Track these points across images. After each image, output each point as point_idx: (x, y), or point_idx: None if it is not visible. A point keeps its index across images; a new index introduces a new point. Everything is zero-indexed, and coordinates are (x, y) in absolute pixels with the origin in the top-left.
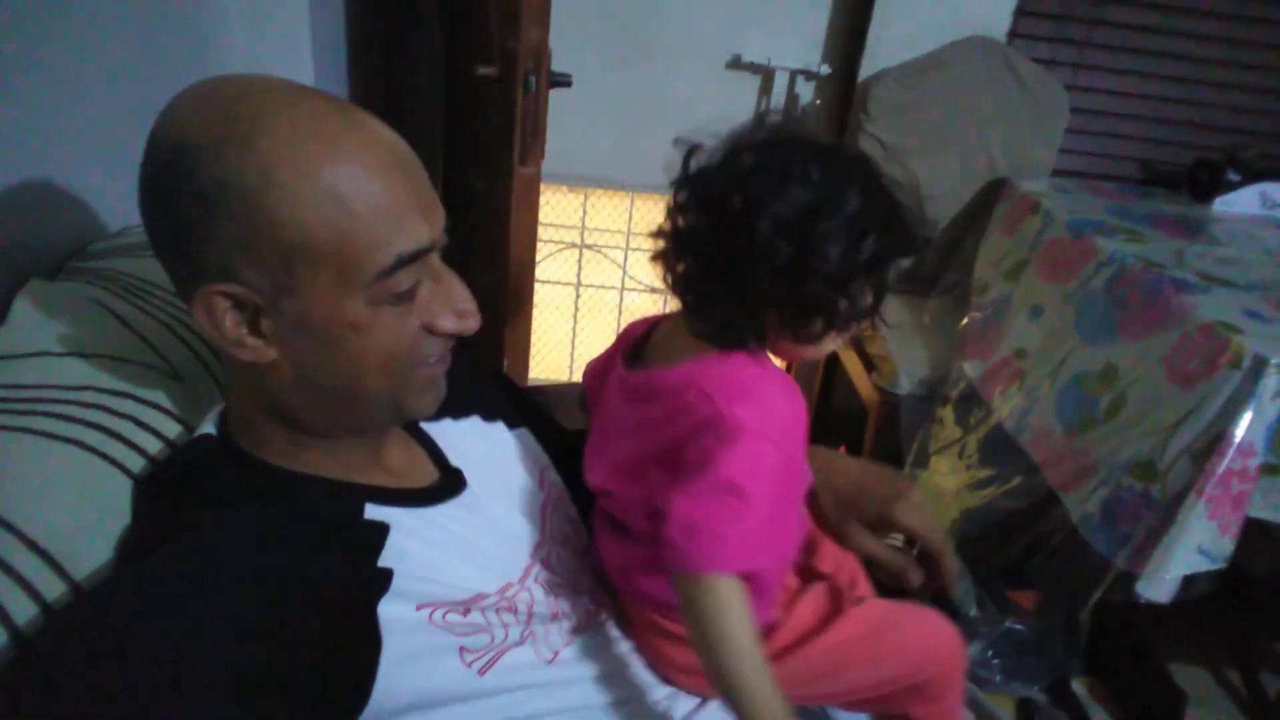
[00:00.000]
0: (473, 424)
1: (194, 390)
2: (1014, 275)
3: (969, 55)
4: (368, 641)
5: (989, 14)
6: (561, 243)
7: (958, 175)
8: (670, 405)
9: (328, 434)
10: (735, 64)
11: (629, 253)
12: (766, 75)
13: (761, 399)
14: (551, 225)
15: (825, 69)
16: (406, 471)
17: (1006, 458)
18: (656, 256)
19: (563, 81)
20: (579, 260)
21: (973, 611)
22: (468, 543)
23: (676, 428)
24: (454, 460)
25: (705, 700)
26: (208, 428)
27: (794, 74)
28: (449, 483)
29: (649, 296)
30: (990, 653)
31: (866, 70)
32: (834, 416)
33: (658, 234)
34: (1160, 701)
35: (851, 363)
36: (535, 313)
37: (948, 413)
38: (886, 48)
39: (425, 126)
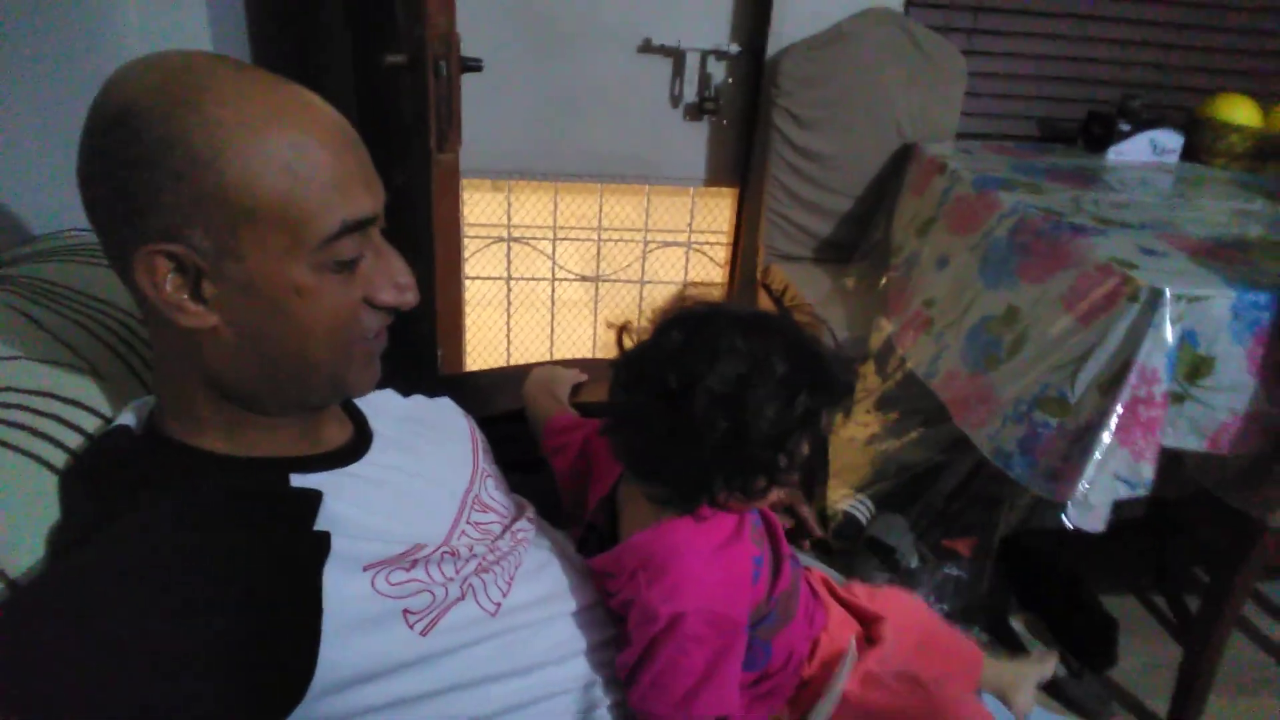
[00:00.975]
0: (390, 393)
1: (116, 386)
2: (923, 232)
3: (870, 26)
4: (310, 612)
5: None
6: (489, 237)
7: (869, 143)
8: (615, 586)
9: (266, 409)
10: (646, 48)
11: (556, 243)
12: (678, 57)
13: (680, 575)
14: (479, 224)
15: (735, 48)
16: (332, 440)
17: (921, 404)
18: (606, 430)
19: (474, 66)
20: (507, 254)
21: (913, 563)
22: (399, 492)
23: (623, 597)
24: (375, 421)
25: None
26: (126, 418)
27: (705, 54)
28: (363, 438)
29: (581, 286)
30: (932, 599)
31: (774, 46)
32: None
33: (605, 410)
34: (1093, 630)
35: None
36: (468, 309)
37: (869, 368)
38: (792, 23)
39: None
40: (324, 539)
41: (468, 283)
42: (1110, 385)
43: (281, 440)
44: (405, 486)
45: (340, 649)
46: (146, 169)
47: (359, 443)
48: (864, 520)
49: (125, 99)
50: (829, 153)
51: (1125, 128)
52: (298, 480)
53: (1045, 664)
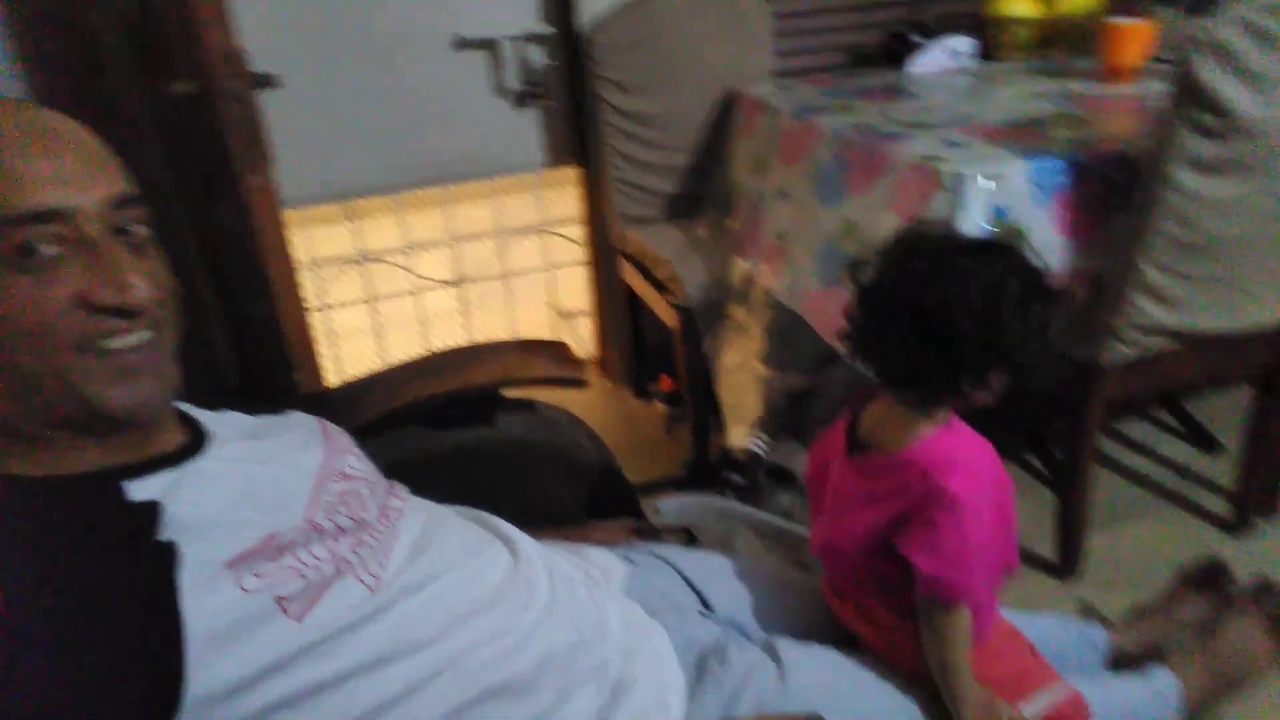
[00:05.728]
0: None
1: None
2: (759, 170)
3: None
4: (168, 628)
5: None
6: (341, 261)
7: (693, 97)
8: (895, 482)
9: (36, 434)
10: (460, 44)
11: (412, 255)
12: (493, 48)
13: (968, 467)
14: (330, 257)
15: (547, 29)
16: (163, 444)
17: (786, 330)
18: (858, 353)
19: (268, 82)
20: (364, 277)
21: None
22: (248, 479)
23: (904, 500)
24: (215, 427)
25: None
26: None
27: (519, 40)
28: (200, 439)
29: (446, 294)
30: None
31: (585, 21)
32: (650, 351)
33: (847, 335)
34: None
35: (647, 293)
36: (339, 342)
37: (734, 306)
38: None
39: (148, 168)
40: (170, 549)
41: (331, 313)
42: None
43: (95, 453)
44: (253, 472)
45: (214, 659)
46: None
47: (196, 442)
48: (763, 453)
49: None
50: (657, 113)
51: (920, 41)
52: (132, 487)
53: None
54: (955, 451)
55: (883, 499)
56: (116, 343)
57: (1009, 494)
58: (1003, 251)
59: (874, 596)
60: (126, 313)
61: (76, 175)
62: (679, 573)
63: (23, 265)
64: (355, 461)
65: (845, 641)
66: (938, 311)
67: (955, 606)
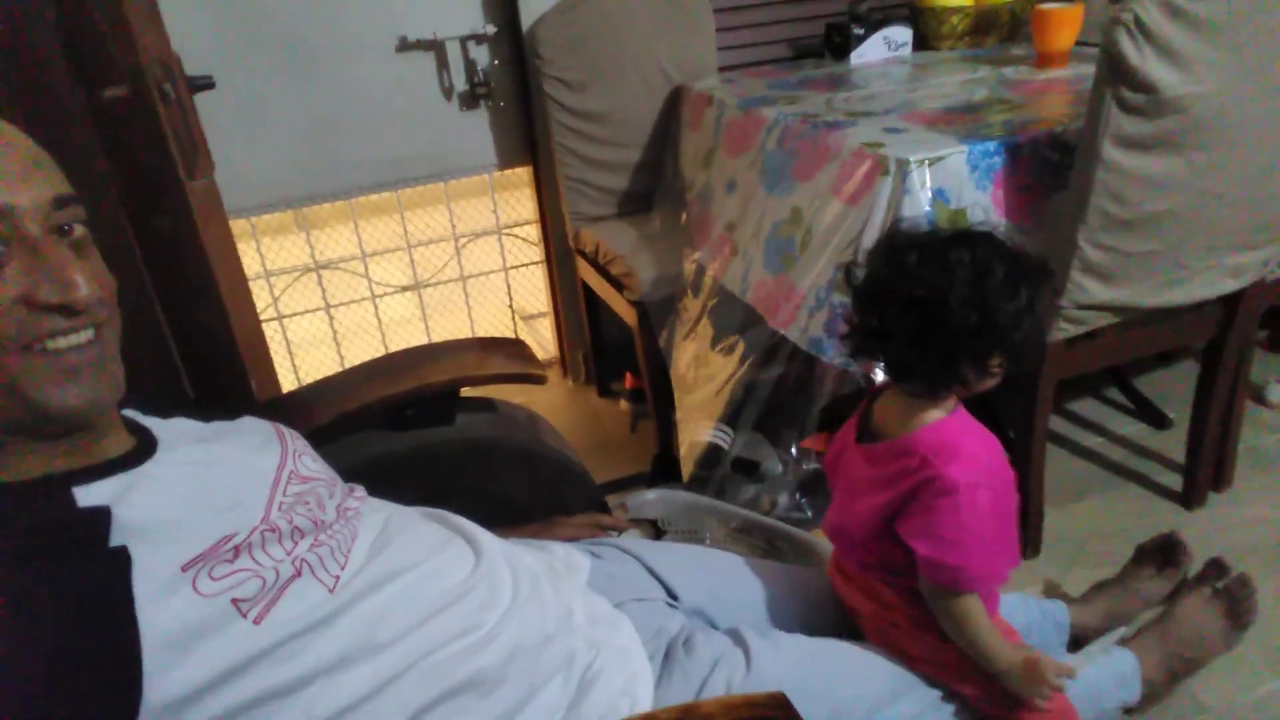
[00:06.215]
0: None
1: None
2: (707, 163)
3: None
4: (123, 635)
5: None
6: (296, 270)
7: (640, 93)
8: (897, 467)
9: None
10: (404, 45)
11: (367, 261)
12: (439, 49)
13: (968, 453)
14: (284, 268)
15: (491, 28)
16: (111, 450)
17: (734, 320)
18: (859, 351)
19: (205, 84)
20: (319, 283)
21: (777, 469)
22: (201, 481)
23: (904, 485)
24: (164, 434)
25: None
26: None
27: (464, 41)
28: (148, 444)
29: (405, 299)
30: (799, 497)
31: (528, 19)
32: (611, 350)
33: (850, 335)
34: None
35: (605, 291)
36: (295, 351)
37: (688, 299)
38: None
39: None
40: (122, 554)
41: (288, 322)
42: None
43: (46, 457)
44: (205, 475)
45: (171, 665)
46: None
47: (145, 447)
48: (726, 445)
49: None
50: (605, 110)
51: (859, 31)
52: (81, 492)
53: None
54: (957, 439)
55: (886, 483)
56: (60, 342)
57: (1010, 485)
58: (984, 239)
59: (879, 578)
60: (70, 311)
61: (14, 175)
62: (644, 564)
63: None
64: (311, 463)
65: (824, 629)
66: (931, 301)
67: (959, 590)
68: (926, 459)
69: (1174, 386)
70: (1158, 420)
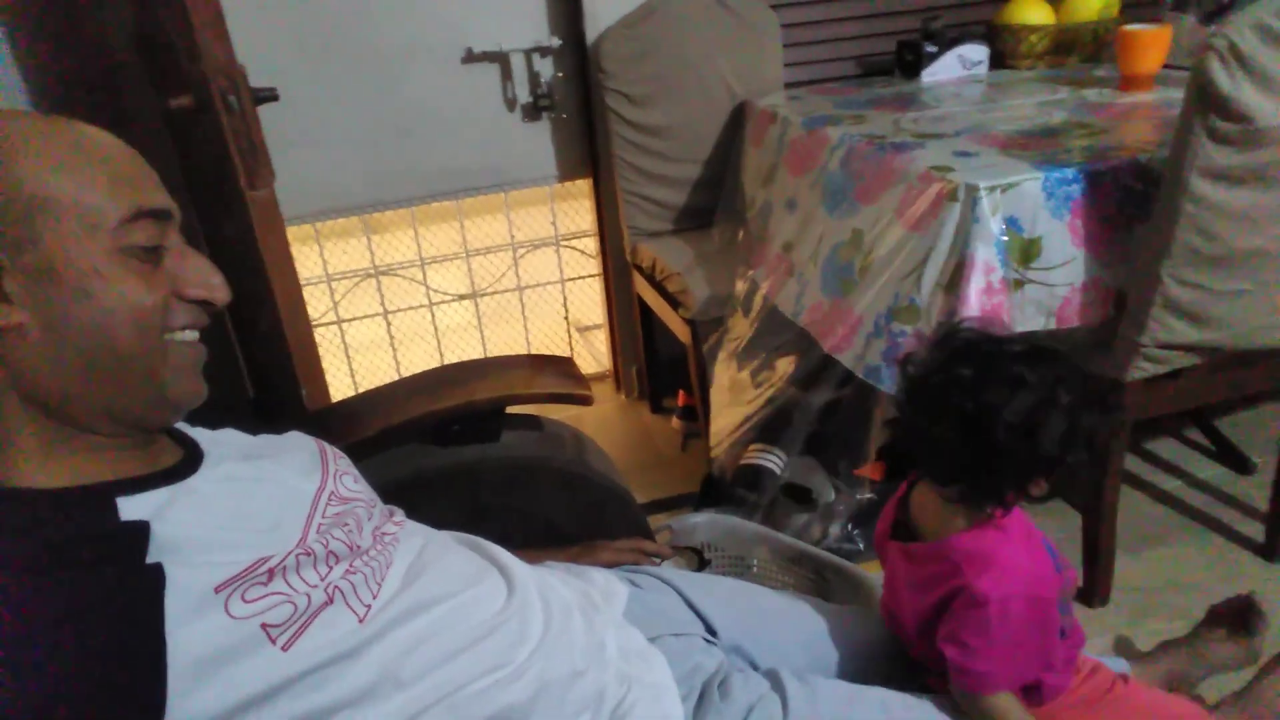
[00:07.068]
0: (232, 430)
1: None
2: (768, 181)
3: None
4: (150, 655)
5: None
6: (356, 275)
7: (703, 109)
8: (932, 572)
9: (83, 418)
10: (470, 57)
11: (426, 268)
12: (503, 61)
13: (1002, 566)
14: (345, 271)
15: (555, 41)
16: (162, 460)
17: (779, 341)
18: (902, 446)
19: (268, 97)
20: (379, 288)
21: (830, 497)
22: (242, 499)
23: (939, 591)
24: (211, 447)
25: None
26: None
27: (528, 53)
28: (195, 457)
29: (461, 307)
30: (850, 527)
31: (592, 32)
32: (665, 366)
33: (889, 422)
34: None
35: (660, 307)
36: (353, 355)
37: (737, 318)
38: (603, 6)
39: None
40: (157, 572)
41: (347, 326)
42: (952, 283)
43: (106, 460)
44: (248, 492)
45: (196, 689)
46: None
47: (192, 460)
48: (778, 470)
49: None
50: (667, 124)
51: (932, 49)
52: (125, 503)
53: None
54: (993, 548)
55: (923, 586)
56: (189, 335)
57: (1053, 596)
58: (1051, 357)
59: (934, 664)
60: (210, 308)
61: (152, 183)
62: (683, 597)
63: (143, 258)
64: (352, 483)
65: (870, 675)
66: (981, 420)
67: (985, 695)
68: (959, 567)
69: (1259, 429)
70: (1240, 465)
